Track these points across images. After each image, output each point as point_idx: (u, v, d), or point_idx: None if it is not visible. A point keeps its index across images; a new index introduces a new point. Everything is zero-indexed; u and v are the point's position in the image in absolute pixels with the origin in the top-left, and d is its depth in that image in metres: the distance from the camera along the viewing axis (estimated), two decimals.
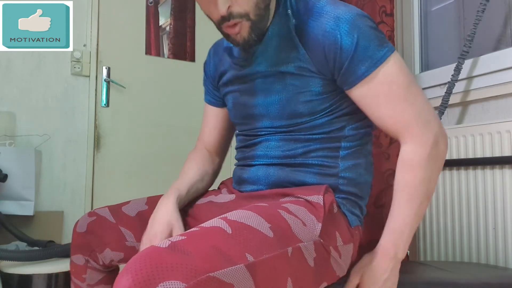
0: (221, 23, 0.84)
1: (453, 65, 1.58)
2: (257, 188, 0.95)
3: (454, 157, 1.52)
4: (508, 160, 1.35)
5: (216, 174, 1.14)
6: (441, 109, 1.59)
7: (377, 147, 1.61)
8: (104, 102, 2.18)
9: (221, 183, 1.12)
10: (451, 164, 1.52)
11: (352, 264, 0.92)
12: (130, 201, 1.06)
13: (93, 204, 2.09)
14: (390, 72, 0.85)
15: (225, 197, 1.00)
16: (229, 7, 0.82)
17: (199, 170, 1.06)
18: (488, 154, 1.41)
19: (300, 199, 0.86)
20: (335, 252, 0.84)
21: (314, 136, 0.91)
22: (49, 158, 2.02)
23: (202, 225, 0.72)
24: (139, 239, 0.94)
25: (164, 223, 0.90)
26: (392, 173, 1.60)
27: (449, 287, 0.96)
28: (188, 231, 0.70)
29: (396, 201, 0.88)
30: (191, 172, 1.05)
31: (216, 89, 1.09)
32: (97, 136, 2.14)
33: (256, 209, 0.78)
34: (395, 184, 0.88)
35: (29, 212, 1.80)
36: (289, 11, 0.89)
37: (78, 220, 1.04)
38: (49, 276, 1.54)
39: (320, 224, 0.81)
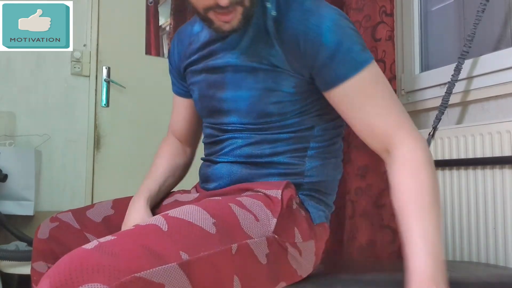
0: (210, 9, 0.78)
1: (453, 65, 1.58)
2: (219, 185, 0.92)
3: (454, 157, 1.52)
4: (508, 160, 1.35)
5: (188, 166, 1.11)
6: (441, 109, 1.59)
7: None
8: (104, 102, 2.18)
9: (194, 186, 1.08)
10: (451, 164, 1.52)
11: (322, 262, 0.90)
12: (94, 204, 1.02)
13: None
14: (373, 73, 0.82)
15: (190, 196, 0.97)
16: None
17: (170, 165, 1.04)
18: (488, 154, 1.41)
19: (259, 193, 0.83)
20: (293, 249, 0.81)
21: (282, 135, 0.88)
22: (49, 158, 2.02)
23: (139, 223, 0.70)
24: None
25: None
26: None
27: (450, 286, 0.95)
28: (121, 230, 0.68)
29: (413, 216, 0.71)
30: (162, 168, 1.03)
31: (182, 80, 1.05)
32: (97, 136, 2.14)
33: (204, 204, 0.75)
34: (401, 195, 0.74)
35: (29, 212, 1.80)
36: (268, 3, 0.84)
37: (39, 225, 0.98)
38: None
39: (275, 219, 0.78)
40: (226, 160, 0.91)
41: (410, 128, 0.81)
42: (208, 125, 0.98)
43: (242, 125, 0.89)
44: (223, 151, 0.92)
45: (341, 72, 0.80)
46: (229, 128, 0.91)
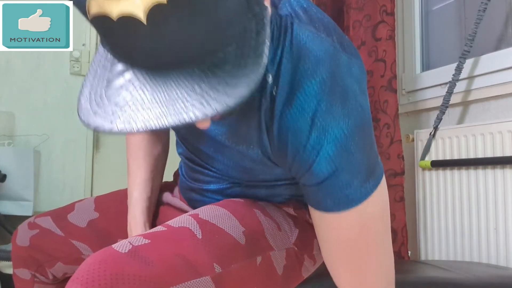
0: None
1: (454, 65, 1.57)
2: None
3: (455, 157, 1.51)
4: (509, 160, 1.35)
5: (167, 149, 0.95)
6: (442, 109, 1.58)
7: (377, 147, 1.61)
8: None
9: (174, 173, 0.98)
10: (452, 164, 1.52)
11: None
12: (74, 205, 0.94)
13: None
14: (366, 212, 0.63)
15: (183, 205, 0.88)
16: None
17: (151, 164, 0.89)
18: (489, 154, 1.41)
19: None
20: (309, 259, 0.80)
21: (278, 183, 0.76)
22: (48, 158, 2.02)
23: (170, 223, 0.67)
24: (96, 249, 0.82)
25: None
26: (392, 173, 1.59)
27: (450, 287, 0.95)
28: (154, 231, 0.65)
29: None
30: (144, 173, 0.88)
31: None
32: (96, 136, 2.14)
33: (231, 207, 0.73)
34: None
35: (28, 212, 1.79)
36: (270, 77, 0.60)
37: (17, 230, 0.91)
38: None
39: (297, 230, 0.77)
40: (217, 198, 0.80)
41: None
42: (185, 147, 0.82)
43: (229, 174, 0.76)
44: (210, 187, 0.80)
45: (325, 204, 0.63)
46: (213, 169, 0.77)
